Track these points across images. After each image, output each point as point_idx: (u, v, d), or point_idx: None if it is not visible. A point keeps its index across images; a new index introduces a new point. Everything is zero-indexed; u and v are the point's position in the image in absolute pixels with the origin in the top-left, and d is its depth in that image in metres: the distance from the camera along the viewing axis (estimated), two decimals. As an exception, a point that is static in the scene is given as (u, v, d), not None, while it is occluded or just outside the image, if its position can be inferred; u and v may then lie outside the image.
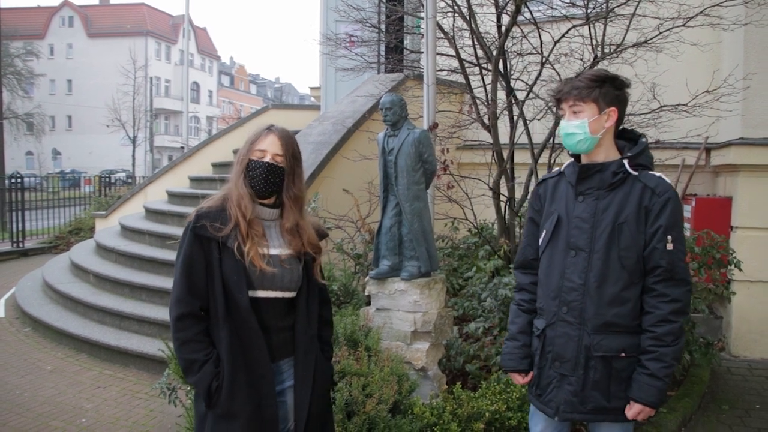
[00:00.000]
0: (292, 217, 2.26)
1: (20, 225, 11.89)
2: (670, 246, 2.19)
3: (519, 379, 2.53)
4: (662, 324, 2.18)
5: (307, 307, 2.30)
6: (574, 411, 2.32)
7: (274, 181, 2.23)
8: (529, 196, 5.65)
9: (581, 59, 5.52)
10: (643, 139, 2.34)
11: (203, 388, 2.09)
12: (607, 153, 2.30)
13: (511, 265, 4.83)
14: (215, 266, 2.12)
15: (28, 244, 12.21)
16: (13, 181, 12.18)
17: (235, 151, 10.08)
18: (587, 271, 2.27)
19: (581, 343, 2.28)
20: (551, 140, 5.55)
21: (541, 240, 2.44)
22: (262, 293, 2.18)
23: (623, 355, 2.24)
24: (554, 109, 5.53)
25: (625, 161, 2.27)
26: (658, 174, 2.27)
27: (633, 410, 2.23)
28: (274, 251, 2.22)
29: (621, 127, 2.36)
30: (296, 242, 2.27)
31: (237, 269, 2.12)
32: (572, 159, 2.41)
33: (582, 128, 2.24)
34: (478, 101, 5.76)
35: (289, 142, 2.29)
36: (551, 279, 2.37)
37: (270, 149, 2.23)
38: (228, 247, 2.12)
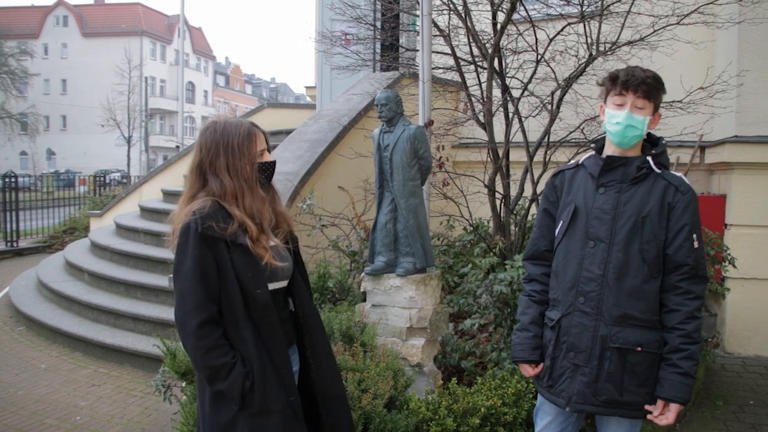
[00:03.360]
0: (275, 206, 2.32)
1: (15, 225, 11.85)
2: (696, 244, 2.23)
3: (529, 371, 2.52)
4: (690, 321, 2.20)
5: (302, 291, 2.34)
6: (586, 402, 2.32)
7: (272, 175, 2.33)
8: (523, 193, 5.67)
9: (576, 57, 5.54)
10: (663, 141, 2.40)
11: (237, 390, 2.04)
12: (636, 150, 2.36)
13: (507, 262, 4.84)
14: (228, 266, 2.09)
15: (23, 243, 12.17)
16: (7, 180, 12.14)
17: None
18: (606, 263, 2.28)
19: (597, 333, 2.29)
20: (546, 138, 5.56)
21: (557, 231, 2.46)
22: (272, 286, 2.20)
23: (639, 349, 2.25)
24: (549, 107, 5.55)
25: (650, 158, 2.32)
26: (679, 174, 2.34)
27: (671, 412, 2.23)
28: (272, 242, 2.24)
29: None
30: (282, 229, 2.32)
31: (251, 265, 2.11)
32: (593, 152, 2.46)
33: (642, 125, 2.28)
34: (473, 99, 5.76)
35: (266, 132, 2.35)
36: (568, 269, 2.38)
37: (264, 146, 2.28)
38: (239, 245, 2.10)
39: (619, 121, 2.29)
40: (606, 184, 2.35)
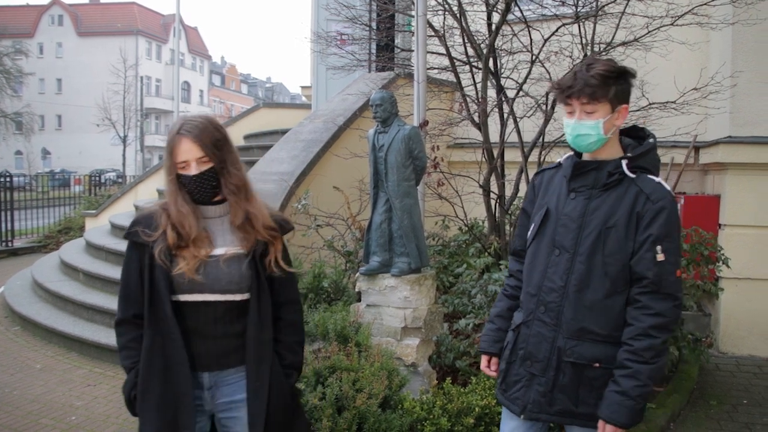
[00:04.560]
0: (240, 213, 2.09)
1: (10, 224, 11.82)
2: (660, 257, 2.03)
3: (484, 362, 2.47)
4: (641, 338, 2.02)
5: (259, 309, 2.09)
6: (542, 411, 2.21)
7: (211, 185, 2.07)
8: (518, 193, 5.69)
9: (571, 57, 5.56)
10: (651, 140, 2.18)
11: (125, 396, 2.11)
12: (611, 151, 2.17)
13: (501, 262, 4.86)
14: (146, 272, 2.05)
15: (18, 243, 12.13)
16: (2, 180, 12.10)
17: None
18: (569, 274, 2.15)
19: (555, 345, 2.17)
20: (541, 138, 5.58)
21: (529, 233, 2.34)
22: (194, 297, 2.05)
23: (597, 365, 2.11)
24: (544, 107, 5.57)
25: (624, 162, 2.12)
26: (657, 179, 2.12)
27: (602, 430, 2.08)
28: (218, 251, 2.08)
29: (632, 124, 2.28)
30: (249, 236, 2.10)
31: (163, 275, 2.02)
32: (572, 152, 2.30)
33: (596, 129, 2.09)
34: (468, 99, 5.78)
35: (205, 134, 2.04)
36: (533, 276, 2.27)
37: (189, 156, 2.02)
38: (154, 252, 2.04)
39: (569, 131, 2.15)
40: (577, 189, 2.18)
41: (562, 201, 2.22)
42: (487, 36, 5.80)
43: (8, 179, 12.19)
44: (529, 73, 5.65)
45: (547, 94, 5.54)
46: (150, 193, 9.51)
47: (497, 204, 5.66)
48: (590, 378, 2.12)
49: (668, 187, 2.12)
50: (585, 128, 2.10)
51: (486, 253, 5.31)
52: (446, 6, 5.70)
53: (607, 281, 2.09)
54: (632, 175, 2.11)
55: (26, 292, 7.55)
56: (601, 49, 5.34)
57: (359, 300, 4.06)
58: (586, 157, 2.22)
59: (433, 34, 5.84)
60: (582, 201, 2.17)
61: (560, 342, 2.16)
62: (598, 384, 2.11)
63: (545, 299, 2.21)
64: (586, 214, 2.14)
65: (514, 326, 2.34)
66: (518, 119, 5.70)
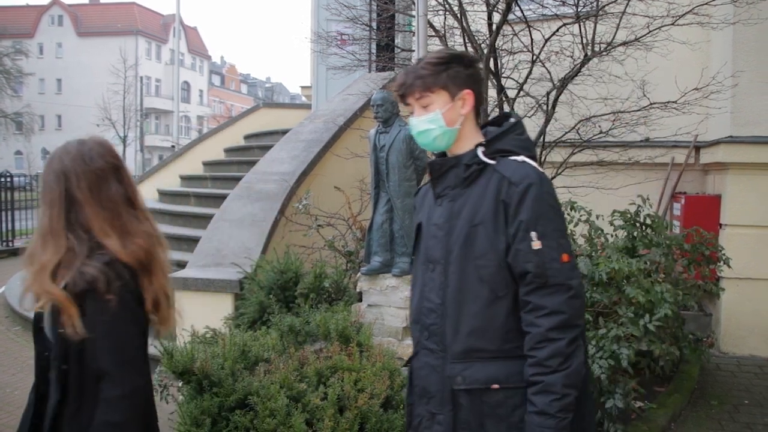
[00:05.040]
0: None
1: (10, 224, 11.82)
2: (536, 244, 1.74)
3: None
4: (543, 344, 1.72)
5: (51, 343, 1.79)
6: None
7: None
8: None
9: (572, 57, 5.55)
10: (513, 119, 1.93)
11: None
12: (470, 144, 1.90)
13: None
14: None
15: (19, 243, 12.12)
16: (2, 180, 12.11)
17: (226, 150, 10.10)
18: (445, 288, 1.86)
19: (444, 374, 1.85)
20: (542, 138, 5.57)
21: None
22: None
23: (496, 386, 1.79)
24: (544, 107, 5.56)
25: (480, 149, 1.86)
26: (520, 158, 1.84)
27: None
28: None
29: (503, 112, 2.08)
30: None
31: None
32: (434, 156, 2.05)
33: (436, 122, 1.87)
34: (469, 99, 5.76)
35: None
36: (413, 299, 2.02)
37: None
38: None
39: (413, 132, 1.95)
40: (441, 193, 1.93)
41: (432, 211, 1.97)
42: (487, 36, 5.79)
43: (9, 179, 12.20)
44: (529, 73, 5.65)
45: (548, 94, 5.54)
46: (151, 193, 9.50)
47: (498, 204, 5.65)
48: (493, 405, 1.79)
49: (533, 164, 1.84)
50: (424, 123, 1.89)
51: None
52: (447, 6, 5.69)
53: (485, 288, 1.81)
54: (492, 162, 1.84)
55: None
56: (602, 48, 5.33)
57: (360, 300, 4.06)
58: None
59: (433, 34, 5.83)
60: (447, 204, 1.90)
61: (449, 369, 1.85)
62: (505, 411, 1.79)
63: (426, 322, 1.92)
64: (451, 217, 1.88)
65: (406, 361, 2.09)
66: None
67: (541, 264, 1.74)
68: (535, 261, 1.74)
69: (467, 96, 1.88)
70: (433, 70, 1.86)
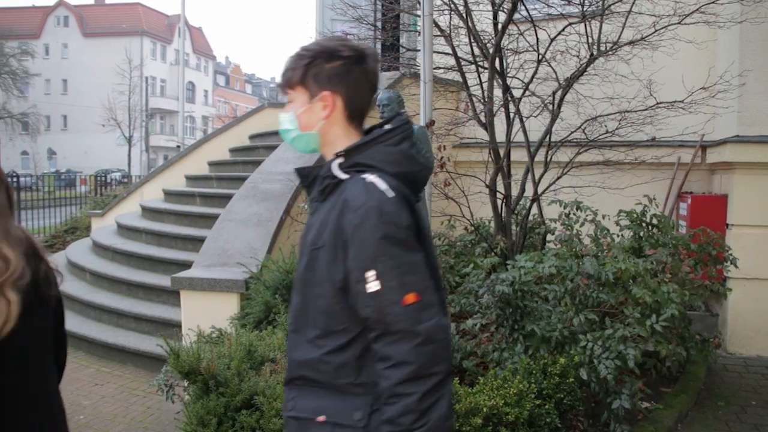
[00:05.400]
0: None
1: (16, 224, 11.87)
2: (372, 286, 1.49)
3: None
4: (393, 400, 1.49)
5: None
6: None
7: None
8: (524, 193, 5.68)
9: (577, 56, 5.54)
10: (389, 125, 1.64)
11: None
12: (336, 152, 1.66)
13: (508, 262, 4.84)
14: None
15: (24, 243, 12.17)
16: (9, 180, 12.16)
17: (231, 150, 10.10)
18: (294, 310, 1.71)
19: (287, 400, 1.72)
20: (548, 138, 5.56)
21: None
22: None
23: (322, 419, 1.60)
24: (550, 107, 5.56)
25: (335, 162, 1.61)
26: (371, 177, 1.55)
27: None
28: None
29: (396, 115, 1.71)
30: None
31: None
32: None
33: (292, 123, 1.68)
34: (474, 99, 5.77)
35: None
36: None
37: None
38: None
39: (279, 129, 1.76)
40: (310, 203, 1.72)
41: None
42: (493, 35, 5.78)
43: (15, 179, 12.25)
44: (535, 72, 5.64)
45: (553, 93, 5.53)
46: (156, 193, 9.52)
47: (503, 204, 5.65)
48: None
49: (382, 186, 1.53)
50: (284, 122, 1.71)
51: (492, 253, 5.30)
52: (452, 5, 5.69)
53: (321, 317, 1.60)
54: (345, 176, 1.59)
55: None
56: (608, 48, 5.32)
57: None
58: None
59: (439, 33, 5.83)
60: (309, 218, 1.71)
61: (285, 394, 1.72)
62: None
63: (287, 347, 1.80)
64: (306, 233, 1.68)
65: None
66: (524, 119, 5.69)
67: (380, 309, 1.49)
68: (372, 305, 1.50)
69: (328, 98, 1.62)
70: (295, 65, 1.65)
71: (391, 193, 1.52)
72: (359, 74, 1.63)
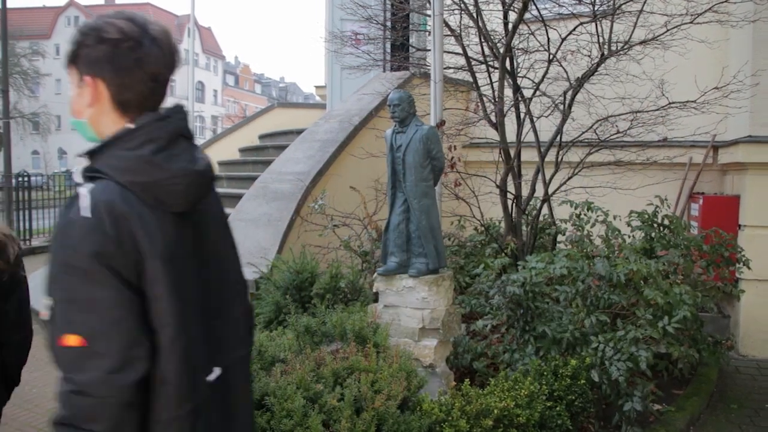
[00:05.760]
0: None
1: (27, 223, 11.95)
2: (45, 315, 1.33)
3: None
4: None
5: None
6: None
7: None
8: (535, 193, 5.66)
9: (589, 56, 5.51)
10: (130, 125, 1.42)
11: None
12: None
13: (519, 263, 4.82)
14: None
15: (35, 242, 12.25)
16: (19, 180, 12.23)
17: (241, 150, 10.13)
18: None
19: None
20: (558, 138, 5.54)
21: None
22: None
23: None
24: (561, 107, 5.53)
25: (81, 164, 1.42)
26: (83, 190, 1.34)
27: None
28: None
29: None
30: None
31: None
32: None
33: (73, 107, 1.53)
34: (485, 99, 5.75)
35: None
36: None
37: None
38: None
39: None
40: None
41: None
42: (503, 35, 5.76)
43: (26, 179, 12.32)
44: (546, 72, 5.62)
45: (564, 93, 5.50)
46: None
47: (514, 204, 5.63)
48: None
49: (84, 203, 1.31)
50: (69, 106, 1.56)
51: (503, 254, 5.28)
52: (462, 5, 5.67)
53: None
54: (80, 183, 1.39)
55: (44, 290, 7.61)
56: (619, 47, 5.29)
57: (376, 300, 4.04)
58: None
59: (449, 33, 5.81)
60: None
61: None
62: None
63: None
64: None
65: None
66: (535, 119, 5.67)
67: (48, 341, 1.32)
68: (46, 331, 1.34)
69: (90, 83, 1.44)
70: (71, 44, 1.46)
71: (86, 213, 1.29)
72: (130, 60, 1.40)
